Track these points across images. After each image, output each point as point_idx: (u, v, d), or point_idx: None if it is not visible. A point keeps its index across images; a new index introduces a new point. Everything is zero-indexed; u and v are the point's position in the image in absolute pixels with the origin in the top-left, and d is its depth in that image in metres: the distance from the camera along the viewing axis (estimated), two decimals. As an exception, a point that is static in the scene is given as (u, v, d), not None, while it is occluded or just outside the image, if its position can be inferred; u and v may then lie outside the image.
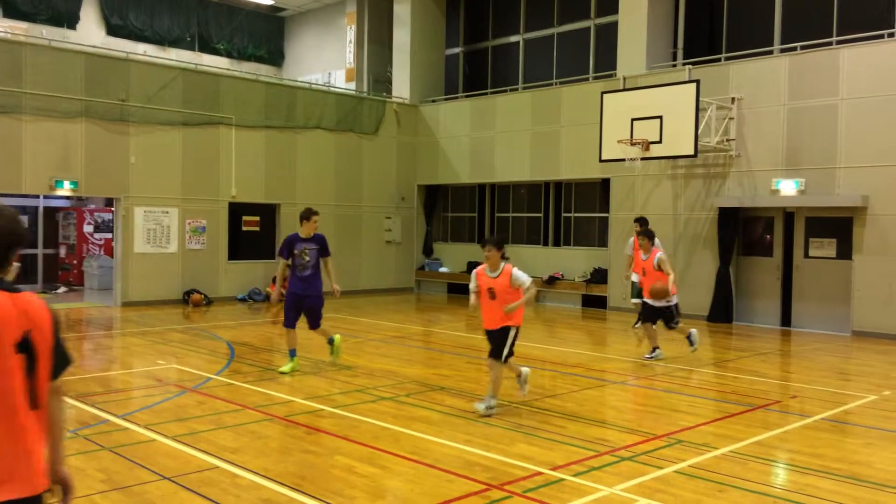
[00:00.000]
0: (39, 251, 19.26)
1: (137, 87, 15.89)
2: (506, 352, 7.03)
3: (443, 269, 20.44)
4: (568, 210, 18.55)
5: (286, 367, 9.02)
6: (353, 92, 21.15)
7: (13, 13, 19.15)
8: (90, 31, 20.33)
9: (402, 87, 20.90)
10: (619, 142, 14.51)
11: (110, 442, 6.07)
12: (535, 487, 5.17)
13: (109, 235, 19.25)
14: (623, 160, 14.51)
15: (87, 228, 19.94)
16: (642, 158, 14.39)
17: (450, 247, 20.80)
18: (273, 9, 24.09)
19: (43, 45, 15.66)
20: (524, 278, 6.93)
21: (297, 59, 24.54)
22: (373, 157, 19.95)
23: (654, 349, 10.20)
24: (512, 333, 7.04)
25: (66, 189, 15.09)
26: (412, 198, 20.84)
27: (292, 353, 9.12)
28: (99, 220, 20.02)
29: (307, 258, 8.93)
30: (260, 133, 17.78)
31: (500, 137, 19.02)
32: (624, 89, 15.25)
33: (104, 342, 12.14)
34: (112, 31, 20.81)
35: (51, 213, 19.73)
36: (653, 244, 10.06)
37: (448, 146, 20.16)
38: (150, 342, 11.44)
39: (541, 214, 18.98)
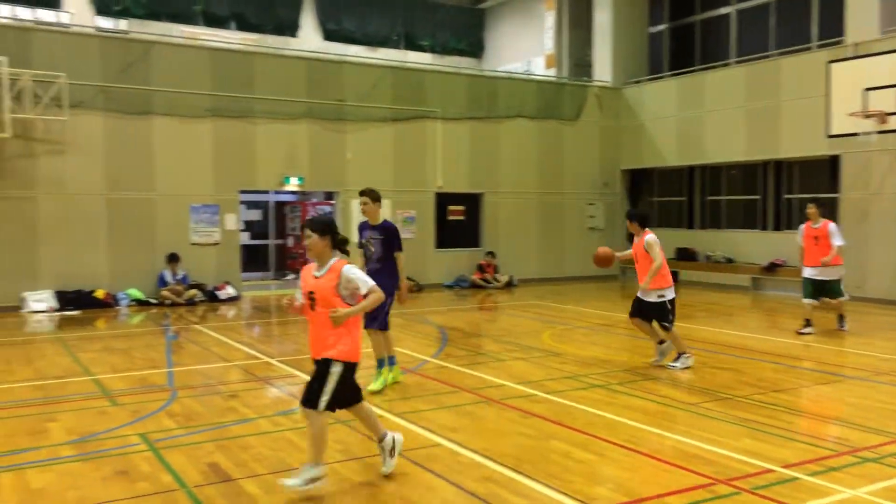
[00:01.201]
0: (271, 242, 21.15)
1: (351, 88, 16.94)
2: (325, 398, 4.72)
3: (649, 256, 19.81)
4: (789, 191, 17.20)
5: (376, 385, 7.35)
6: (554, 78, 21.06)
7: (245, 26, 21.13)
8: (309, 38, 21.93)
9: (603, 69, 20.48)
10: (850, 115, 13.23)
11: (345, 416, 6.55)
12: (766, 485, 4.88)
13: (329, 226, 20.72)
14: (856, 134, 13.21)
15: (310, 220, 21.60)
16: (879, 132, 13.01)
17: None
18: (473, 1, 24.59)
19: (270, 53, 17.18)
20: (362, 279, 4.85)
21: (497, 50, 24.84)
22: (574, 143, 19.76)
23: (660, 342, 8.68)
24: (336, 372, 4.77)
25: (293, 185, 16.47)
26: (615, 183, 20.39)
27: (380, 363, 7.49)
28: (320, 213, 21.65)
29: (372, 248, 7.51)
30: (464, 124, 18.26)
31: (710, 116, 18.05)
32: (855, 57, 13.86)
33: (328, 325, 13.10)
34: (328, 35, 22.29)
35: (279, 207, 21.60)
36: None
37: (654, 128, 19.46)
38: (369, 326, 12.20)
39: (758, 196, 17.77)
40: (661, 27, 20.74)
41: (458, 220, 18.67)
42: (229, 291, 15.31)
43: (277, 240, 21.20)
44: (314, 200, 21.84)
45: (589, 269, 19.81)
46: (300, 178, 16.46)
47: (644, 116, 19.72)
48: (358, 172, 16.97)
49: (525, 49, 23.41)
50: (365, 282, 4.83)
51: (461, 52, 24.88)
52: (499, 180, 18.79)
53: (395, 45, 23.39)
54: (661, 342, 8.68)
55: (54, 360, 9.23)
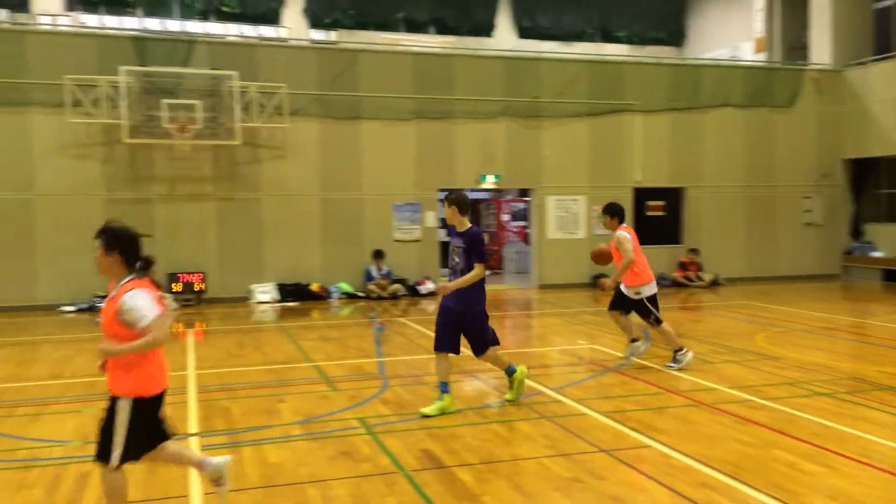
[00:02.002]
0: (467, 239, 21.73)
1: (548, 84, 16.91)
2: (117, 451, 3.93)
3: (876, 254, 17.97)
4: None
5: (430, 409, 6.50)
6: (765, 63, 19.69)
7: (443, 29, 21.81)
8: (504, 37, 22.19)
9: (821, 51, 18.83)
10: None
11: (548, 412, 6.57)
12: None
13: (523, 223, 20.88)
14: None
15: (504, 217, 21.92)
16: None
17: (886, 228, 18.17)
18: (674, -11, 23.61)
19: (468, 54, 17.58)
20: (143, 311, 3.87)
21: (699, 37, 23.67)
22: (788, 131, 18.35)
23: (633, 340, 8.63)
24: (123, 413, 3.92)
25: (490, 182, 16.76)
26: (836, 174, 18.68)
27: (443, 386, 6.59)
28: (514, 210, 21.85)
29: (456, 259, 6.58)
30: (664, 116, 17.60)
31: (952, 97, 16.01)
32: None
33: (526, 321, 13.23)
34: (523, 33, 22.42)
35: (475, 204, 22.09)
36: None
37: (882, 113, 17.60)
38: (567, 322, 12.13)
39: None
40: (889, 2, 18.69)
41: (658, 216, 18.01)
42: (429, 286, 15.88)
43: (474, 237, 21.69)
44: (508, 197, 22.10)
45: (804, 267, 18.36)
46: (496, 176, 16.71)
47: (870, 100, 17.89)
48: (553, 168, 16.93)
49: (731, 34, 22.09)
50: (145, 316, 3.86)
51: (660, 42, 23.99)
52: (702, 173, 17.91)
53: (591, 39, 23.03)
54: (634, 340, 8.60)
55: (280, 347, 10.09)
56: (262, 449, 5.66)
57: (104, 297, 4.20)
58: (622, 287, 8.43)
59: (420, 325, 11.79)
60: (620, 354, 9.02)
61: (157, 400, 4.09)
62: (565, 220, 17.14)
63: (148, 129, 14.01)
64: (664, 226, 18.00)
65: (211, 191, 14.92)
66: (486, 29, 22.32)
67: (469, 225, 6.61)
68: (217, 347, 10.06)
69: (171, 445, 4.24)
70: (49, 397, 7.45)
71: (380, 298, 15.21)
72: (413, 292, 15.76)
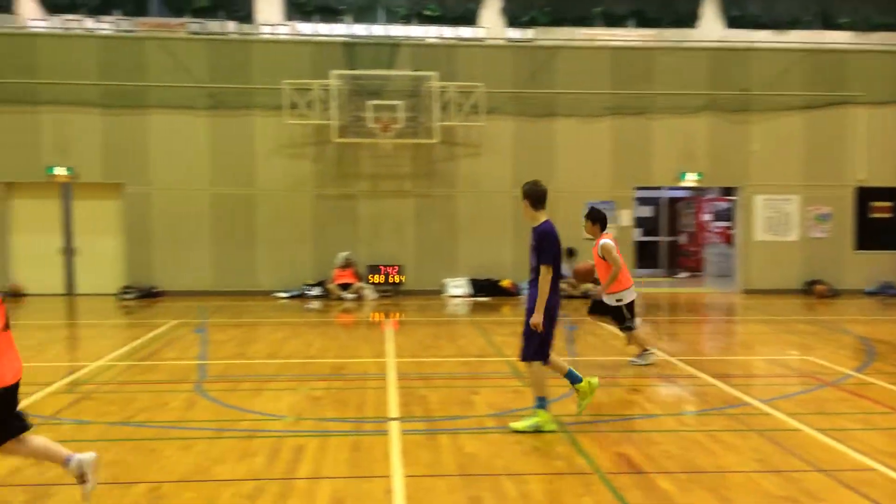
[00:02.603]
0: (663, 239, 20.88)
1: (758, 76, 15.84)
2: None
3: None
4: None
5: (522, 423, 5.85)
6: None
7: (643, 22, 21.02)
8: (710, 28, 21.05)
9: None
10: None
11: (756, 424, 6.13)
12: None
13: (726, 224, 19.72)
14: None
15: (706, 217, 20.82)
16: None
17: None
18: (909, -35, 21.16)
19: (670, 47, 16.88)
20: None
21: (939, 18, 21.03)
22: None
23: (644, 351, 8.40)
24: None
25: (690, 180, 16.00)
26: None
27: (540, 402, 5.89)
28: (716, 209, 20.70)
29: (532, 259, 6.03)
30: (893, 109, 15.86)
31: None
32: None
33: (729, 327, 12.50)
34: (731, 23, 21.08)
35: (672, 203, 21.20)
36: None
37: None
38: (776, 331, 11.29)
39: None
40: None
41: (884, 218, 16.26)
42: (623, 287, 15.45)
43: (669, 237, 20.82)
44: (709, 196, 20.97)
45: None
46: (698, 174, 15.91)
47: None
48: (762, 165, 15.84)
49: (979, 13, 19.42)
50: None
51: (889, 28, 21.61)
52: (940, 171, 15.95)
53: (808, 26, 21.21)
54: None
55: (473, 341, 10.28)
56: (458, 438, 5.77)
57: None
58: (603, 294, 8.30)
59: (613, 326, 11.48)
60: (840, 368, 8.23)
61: (8, 391, 4.08)
62: (775, 220, 15.97)
63: (355, 129, 14.86)
64: (891, 228, 16.22)
65: (410, 187, 15.53)
66: (689, 20, 21.21)
67: (543, 220, 6.00)
68: (413, 338, 10.45)
69: (35, 439, 4.26)
70: (268, 375, 8.11)
71: (570, 297, 15.02)
72: (605, 292, 15.42)
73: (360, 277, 14.94)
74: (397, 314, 12.99)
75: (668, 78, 15.78)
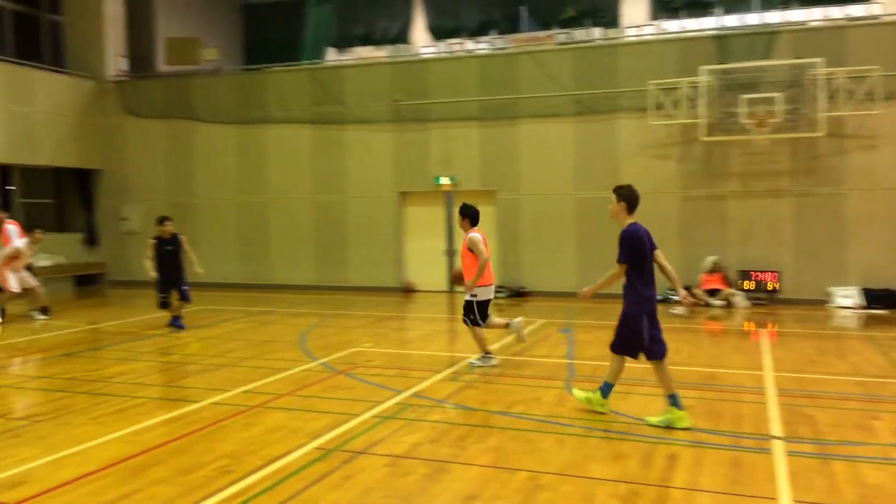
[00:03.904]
0: None
1: None
2: None
3: None
4: None
5: (657, 419, 6.12)
6: None
7: None
8: None
9: None
10: None
11: None
12: None
13: None
14: None
15: None
16: None
17: None
18: None
19: None
20: None
21: None
22: None
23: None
24: None
25: None
26: None
27: (673, 399, 6.05)
28: None
29: None
30: None
31: None
32: None
33: None
34: None
35: None
36: None
37: None
38: None
39: None
40: None
41: None
42: None
43: None
44: None
45: None
46: None
47: None
48: None
49: None
50: None
51: None
52: None
53: None
54: (507, 324, 8.62)
55: (868, 358, 9.00)
56: (856, 466, 5.08)
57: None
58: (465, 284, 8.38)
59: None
60: None
61: None
62: None
63: (725, 126, 14.04)
64: None
65: (787, 185, 14.20)
66: None
67: (629, 222, 6.28)
68: (794, 351, 9.49)
69: None
70: (634, 378, 8.02)
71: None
72: None
73: (729, 283, 14.06)
74: (773, 324, 11.95)
75: None
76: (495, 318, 8.70)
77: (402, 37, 20.33)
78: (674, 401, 6.05)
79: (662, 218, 14.92)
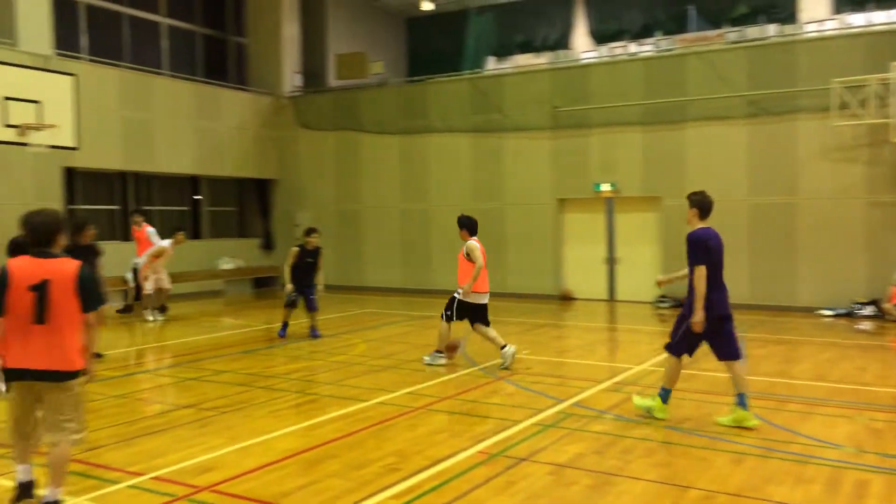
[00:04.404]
0: None
1: None
2: None
3: None
4: None
5: (728, 418, 6.30)
6: None
7: None
8: None
9: None
10: None
11: None
12: None
13: None
14: None
15: None
16: None
17: None
18: None
19: None
20: None
21: None
22: None
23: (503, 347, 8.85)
24: None
25: None
26: None
27: (741, 399, 6.25)
28: None
29: None
30: None
31: None
32: None
33: None
34: None
35: None
36: None
37: None
38: None
39: None
40: None
41: None
42: None
43: None
44: None
45: None
46: None
47: None
48: None
49: None
50: None
51: None
52: None
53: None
54: (503, 347, 8.80)
55: None
56: None
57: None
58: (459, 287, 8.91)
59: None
60: None
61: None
62: None
63: (920, 125, 12.78)
64: None
65: None
66: None
67: (697, 227, 6.53)
68: None
69: None
70: (816, 398, 7.45)
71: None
72: None
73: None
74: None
75: None
76: (493, 333, 9.03)
77: (562, 43, 20.19)
78: (741, 400, 6.23)
79: (847, 225, 13.82)
